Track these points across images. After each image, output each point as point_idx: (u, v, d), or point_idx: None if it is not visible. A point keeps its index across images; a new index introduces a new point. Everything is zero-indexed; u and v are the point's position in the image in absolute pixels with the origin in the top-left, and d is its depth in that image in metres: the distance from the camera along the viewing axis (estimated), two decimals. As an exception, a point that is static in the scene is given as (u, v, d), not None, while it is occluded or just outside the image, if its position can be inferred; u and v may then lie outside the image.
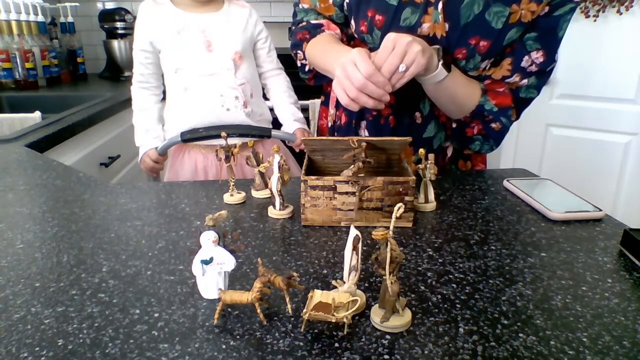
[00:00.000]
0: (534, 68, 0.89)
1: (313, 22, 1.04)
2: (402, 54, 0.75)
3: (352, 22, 0.97)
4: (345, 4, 0.99)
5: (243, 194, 0.83)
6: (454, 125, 0.98)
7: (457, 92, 0.89)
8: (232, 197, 0.82)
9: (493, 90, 0.92)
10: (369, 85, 0.76)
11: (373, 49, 0.96)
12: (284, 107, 1.44)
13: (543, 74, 0.91)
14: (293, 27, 1.10)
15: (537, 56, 0.88)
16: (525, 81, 0.90)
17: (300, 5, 1.09)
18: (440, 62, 0.82)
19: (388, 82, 0.77)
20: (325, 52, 0.95)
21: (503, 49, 0.88)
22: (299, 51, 1.06)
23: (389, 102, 0.95)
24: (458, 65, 0.89)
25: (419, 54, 0.76)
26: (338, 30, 1.01)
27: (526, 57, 0.88)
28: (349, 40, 1.03)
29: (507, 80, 0.91)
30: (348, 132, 1.04)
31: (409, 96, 0.95)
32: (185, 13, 1.28)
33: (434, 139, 0.99)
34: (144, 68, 1.34)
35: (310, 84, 1.11)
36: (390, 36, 0.77)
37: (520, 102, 0.93)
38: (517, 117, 0.96)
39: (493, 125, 0.93)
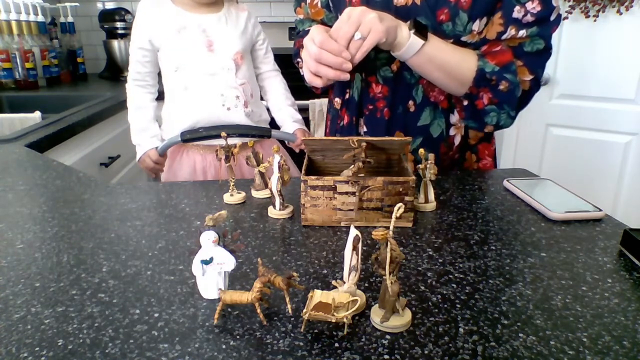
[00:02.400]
0: (530, 18, 0.85)
1: (307, 29, 1.06)
2: (356, 22, 0.77)
3: (339, 15, 0.98)
4: (330, 3, 1.01)
5: (243, 194, 0.83)
6: (465, 103, 0.93)
7: (445, 59, 0.85)
8: (232, 197, 0.82)
9: (490, 52, 0.88)
10: (323, 54, 0.78)
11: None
12: (283, 108, 1.44)
13: (545, 22, 0.86)
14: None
15: (533, 5, 0.84)
16: (523, 32, 0.86)
17: (296, 17, 1.12)
18: (412, 32, 0.81)
19: (344, 49, 0.78)
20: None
21: (491, 3, 0.86)
22: (298, 59, 1.07)
23: (382, 93, 0.96)
24: (445, 31, 0.87)
25: (374, 20, 0.77)
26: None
27: (517, 8, 0.84)
28: None
29: (503, 37, 0.87)
30: (350, 132, 1.04)
31: (401, 85, 0.95)
32: (185, 12, 1.28)
33: (431, 127, 0.97)
34: (141, 66, 1.34)
35: (317, 93, 1.13)
36: (347, 9, 0.79)
37: (529, 57, 0.88)
38: (536, 77, 0.90)
39: (500, 87, 0.87)
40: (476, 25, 0.87)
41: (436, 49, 0.84)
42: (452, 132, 1.00)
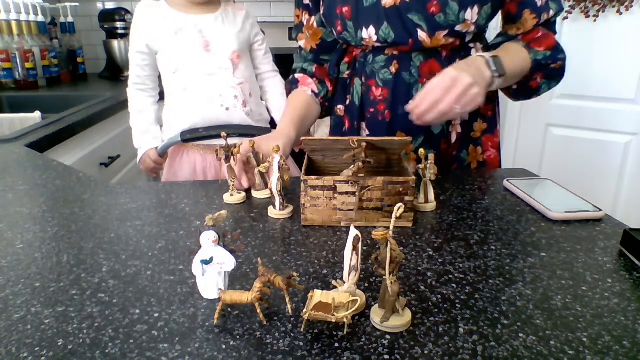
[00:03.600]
0: None
1: (296, 75, 1.11)
2: (460, 95, 0.77)
3: (333, 31, 1.00)
4: (322, 19, 1.02)
5: (243, 194, 0.83)
6: (515, 87, 0.98)
7: (516, 72, 0.90)
8: (232, 197, 0.82)
9: (533, 39, 0.93)
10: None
11: (355, 46, 1.00)
12: (281, 108, 1.44)
13: None
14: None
15: None
16: (551, 12, 0.94)
17: (298, 45, 1.13)
18: (495, 74, 0.83)
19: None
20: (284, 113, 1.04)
21: None
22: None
23: (383, 96, 0.97)
24: (439, 22, 0.88)
25: (478, 96, 0.79)
26: (311, 86, 1.07)
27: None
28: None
29: (541, 22, 0.94)
30: (352, 135, 1.04)
31: (401, 86, 0.96)
32: (181, 14, 1.28)
33: (432, 126, 0.97)
34: (141, 70, 1.34)
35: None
36: (451, 73, 0.78)
37: (555, 29, 0.98)
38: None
39: (553, 66, 0.94)
40: (469, 14, 0.88)
41: (511, 73, 0.88)
42: (450, 129, 1.00)
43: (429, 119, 0.80)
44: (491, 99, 1.02)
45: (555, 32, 0.97)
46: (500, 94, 1.06)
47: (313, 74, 1.08)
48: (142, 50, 1.31)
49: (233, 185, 0.83)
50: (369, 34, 0.93)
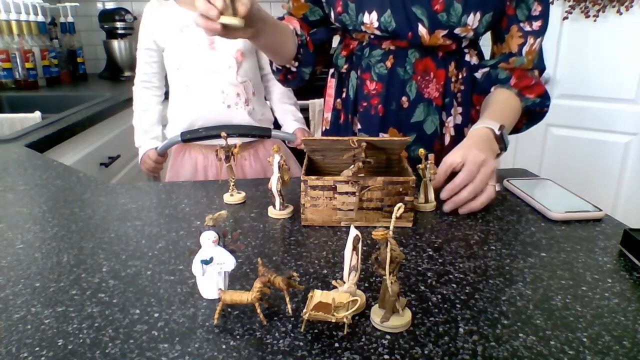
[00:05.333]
0: (538, 24, 0.95)
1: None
2: (482, 185, 0.76)
3: (331, 11, 0.98)
4: None
5: (243, 194, 0.83)
6: (450, 123, 1.00)
7: (512, 123, 0.94)
8: (232, 197, 0.82)
9: (524, 87, 0.95)
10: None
11: (352, 31, 0.98)
12: (284, 107, 1.45)
13: (546, 20, 0.96)
14: None
15: (535, 9, 0.94)
16: (539, 40, 0.95)
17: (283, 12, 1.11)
18: (503, 147, 0.84)
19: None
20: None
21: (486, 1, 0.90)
22: None
23: (377, 90, 0.97)
24: (441, 21, 0.88)
25: (493, 188, 0.78)
26: (295, 25, 0.99)
27: (523, 24, 0.94)
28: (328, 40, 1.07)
29: (524, 49, 0.95)
30: (346, 130, 1.04)
31: (395, 81, 0.95)
32: (188, 12, 1.29)
33: (425, 124, 0.98)
34: (148, 67, 1.35)
35: (284, 86, 1.14)
36: (477, 159, 0.76)
37: (542, 69, 1.00)
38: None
39: (539, 110, 0.98)
40: (470, 19, 0.88)
41: (508, 127, 0.91)
42: (444, 130, 1.00)
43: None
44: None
45: (544, 68, 1.01)
46: None
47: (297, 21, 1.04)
48: (149, 47, 1.32)
49: (233, 185, 0.83)
50: (370, 18, 0.92)
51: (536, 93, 0.95)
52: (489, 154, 0.79)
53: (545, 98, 0.97)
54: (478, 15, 0.89)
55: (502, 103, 0.94)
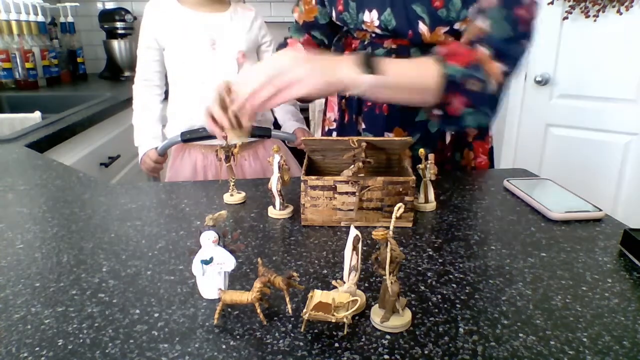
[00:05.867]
0: (492, 2, 0.80)
1: (287, 41, 1.08)
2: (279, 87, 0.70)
3: (332, 10, 0.99)
4: None
5: (243, 194, 0.83)
6: (438, 112, 0.85)
7: (403, 82, 0.77)
8: (232, 197, 0.82)
9: (451, 54, 0.79)
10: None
11: (353, 30, 0.98)
12: (284, 107, 1.44)
13: (509, 5, 0.79)
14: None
15: None
16: (488, 23, 0.79)
17: (294, 16, 1.11)
18: (360, 69, 0.72)
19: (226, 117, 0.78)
20: None
21: None
22: None
23: None
24: (441, 18, 0.87)
25: (300, 87, 0.69)
26: (299, 48, 1.04)
27: None
28: (331, 40, 1.08)
29: (474, 23, 0.82)
30: (350, 129, 1.04)
31: None
32: (190, 12, 1.29)
33: (429, 123, 0.97)
34: (148, 66, 1.35)
35: None
36: (280, 61, 0.71)
37: (499, 49, 0.79)
38: (510, 68, 0.81)
39: (471, 87, 0.78)
40: (470, 11, 0.86)
41: (393, 77, 0.75)
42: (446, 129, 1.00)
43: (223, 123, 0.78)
44: None
45: (491, 46, 0.79)
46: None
47: (302, 43, 1.07)
48: (150, 45, 1.32)
49: (233, 185, 0.83)
50: (371, 17, 0.92)
51: (463, 61, 0.77)
52: (312, 65, 0.70)
53: (477, 69, 0.77)
54: (476, 6, 0.86)
55: (408, 59, 0.85)
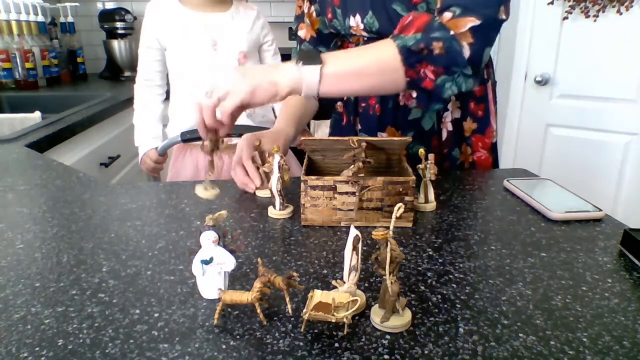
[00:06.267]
0: None
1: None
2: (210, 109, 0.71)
3: (325, 19, 1.00)
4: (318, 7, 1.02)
5: (217, 190, 0.77)
6: (414, 94, 0.87)
7: (355, 66, 0.73)
8: (206, 192, 0.76)
9: (403, 25, 0.75)
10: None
11: (345, 35, 0.99)
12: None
13: None
14: None
15: None
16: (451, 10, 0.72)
17: (298, 37, 1.10)
18: (300, 64, 0.69)
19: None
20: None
21: None
22: None
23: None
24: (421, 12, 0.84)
25: (234, 98, 0.69)
26: None
27: None
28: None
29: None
30: (349, 131, 1.05)
31: None
32: (192, 12, 1.29)
33: (422, 120, 0.97)
34: (149, 66, 1.35)
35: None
36: (207, 85, 0.70)
37: (466, 5, 0.72)
38: (482, 20, 0.72)
39: (435, 51, 0.71)
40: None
41: (341, 64, 0.72)
42: (441, 126, 1.00)
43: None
44: (481, 98, 1.00)
45: (454, 4, 0.72)
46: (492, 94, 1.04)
47: None
48: (152, 45, 1.32)
49: (209, 180, 0.78)
50: (355, 21, 0.93)
51: (416, 28, 0.72)
52: (241, 76, 0.69)
53: (431, 29, 0.71)
54: None
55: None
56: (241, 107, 0.71)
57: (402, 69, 0.72)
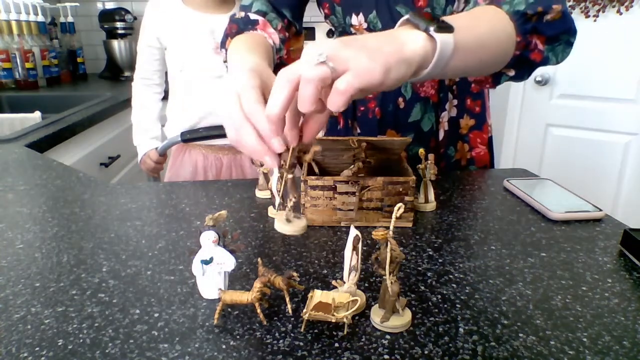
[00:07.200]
0: None
1: (250, 15, 0.81)
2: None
3: (321, 10, 0.99)
4: None
5: (304, 221, 0.57)
6: (511, 74, 0.68)
7: (480, 35, 0.58)
8: (291, 226, 0.56)
9: None
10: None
11: (342, 32, 0.98)
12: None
13: None
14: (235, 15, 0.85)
15: None
16: None
17: None
18: (432, 29, 0.50)
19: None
20: (232, 56, 0.71)
21: None
22: (223, 49, 0.81)
23: (373, 94, 0.95)
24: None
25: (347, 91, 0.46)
26: (273, 37, 0.79)
27: None
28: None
29: None
30: (346, 134, 1.05)
31: None
32: (194, 12, 1.28)
33: (422, 122, 0.97)
34: (149, 64, 1.34)
35: None
36: (291, 68, 0.47)
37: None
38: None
39: (548, 17, 0.62)
40: (455, 6, 0.86)
41: (467, 32, 0.55)
42: (438, 126, 1.00)
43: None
44: (479, 94, 1.01)
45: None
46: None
47: (276, 27, 0.82)
48: (152, 44, 1.31)
49: (292, 207, 0.57)
50: (358, 20, 0.92)
51: None
52: (355, 51, 0.46)
53: None
54: (462, 1, 0.84)
55: (465, 13, 0.63)
56: (349, 97, 0.46)
57: (515, 38, 0.61)
